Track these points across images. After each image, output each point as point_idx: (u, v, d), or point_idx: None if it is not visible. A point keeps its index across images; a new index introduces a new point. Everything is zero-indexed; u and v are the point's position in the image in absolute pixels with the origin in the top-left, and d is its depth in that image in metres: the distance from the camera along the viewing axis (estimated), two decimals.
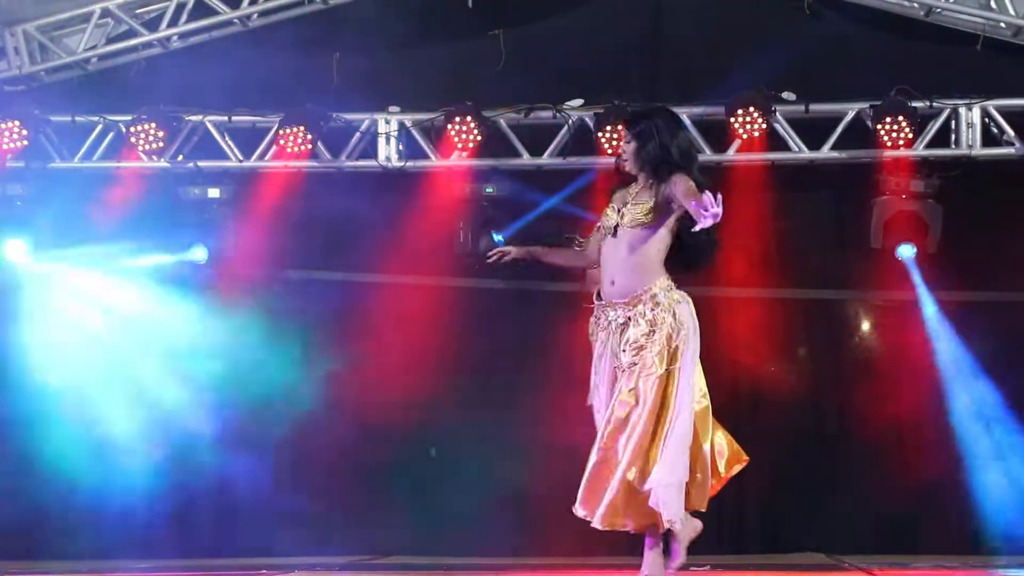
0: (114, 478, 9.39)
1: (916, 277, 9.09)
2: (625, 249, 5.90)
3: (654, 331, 5.80)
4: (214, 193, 9.33)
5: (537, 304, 9.31)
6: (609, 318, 5.89)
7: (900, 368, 9.19)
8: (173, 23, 9.29)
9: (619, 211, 5.93)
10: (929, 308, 9.11)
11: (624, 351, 5.81)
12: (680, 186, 5.71)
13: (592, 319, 5.98)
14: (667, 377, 5.78)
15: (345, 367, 9.32)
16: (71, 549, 9.24)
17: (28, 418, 9.25)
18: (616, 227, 5.91)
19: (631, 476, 5.69)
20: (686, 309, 5.91)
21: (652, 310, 5.83)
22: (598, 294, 5.97)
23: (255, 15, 9.32)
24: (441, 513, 9.17)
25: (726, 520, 9.22)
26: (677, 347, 5.80)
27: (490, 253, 6.17)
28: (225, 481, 9.46)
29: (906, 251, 9.03)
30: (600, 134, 8.91)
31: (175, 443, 9.47)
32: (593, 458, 5.80)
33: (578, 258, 6.19)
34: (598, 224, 6.04)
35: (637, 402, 5.76)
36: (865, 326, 9.53)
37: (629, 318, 5.85)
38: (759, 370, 9.34)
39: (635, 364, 5.78)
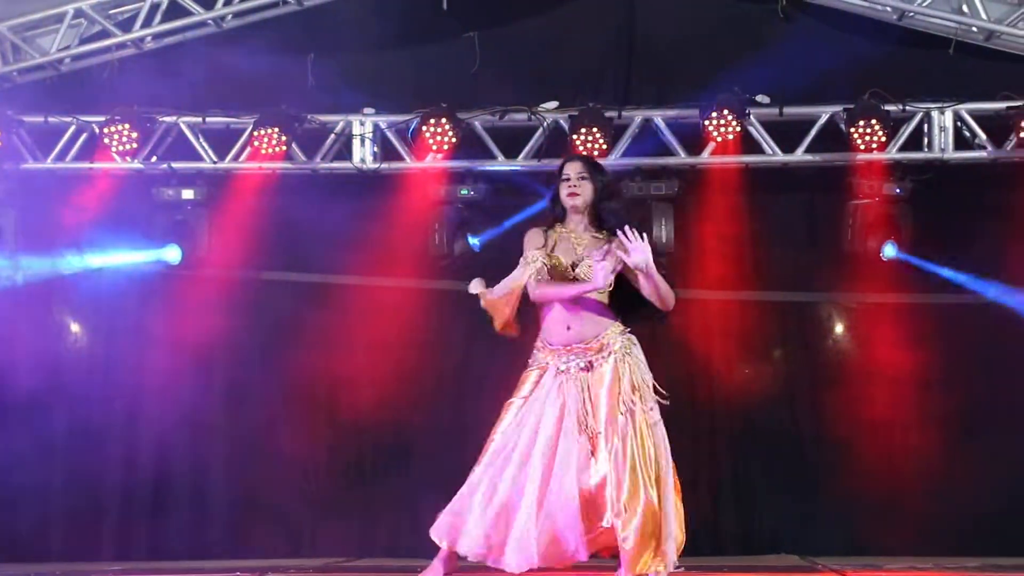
0: (87, 478, 9.36)
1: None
2: (581, 301, 5.89)
3: (620, 377, 5.83)
4: (188, 194, 9.29)
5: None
6: (564, 363, 5.89)
7: (874, 370, 9.23)
8: (147, 24, 9.24)
9: (573, 265, 5.92)
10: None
11: (596, 399, 5.81)
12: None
13: (541, 362, 5.94)
14: (648, 420, 5.82)
15: (319, 368, 9.31)
16: (45, 549, 9.22)
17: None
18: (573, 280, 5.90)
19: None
20: (639, 352, 5.95)
21: (612, 355, 5.86)
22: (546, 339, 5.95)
23: (229, 16, 9.29)
24: (416, 515, 9.14)
25: (701, 522, 9.22)
26: (643, 390, 5.85)
27: None
28: (198, 483, 9.44)
29: (890, 251, 9.04)
30: (575, 136, 8.90)
31: (147, 444, 9.45)
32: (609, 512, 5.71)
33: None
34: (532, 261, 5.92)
35: (626, 448, 5.75)
36: (839, 328, 9.56)
37: (591, 363, 5.86)
38: (733, 372, 9.37)
39: (613, 411, 5.79)
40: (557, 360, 5.92)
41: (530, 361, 6.04)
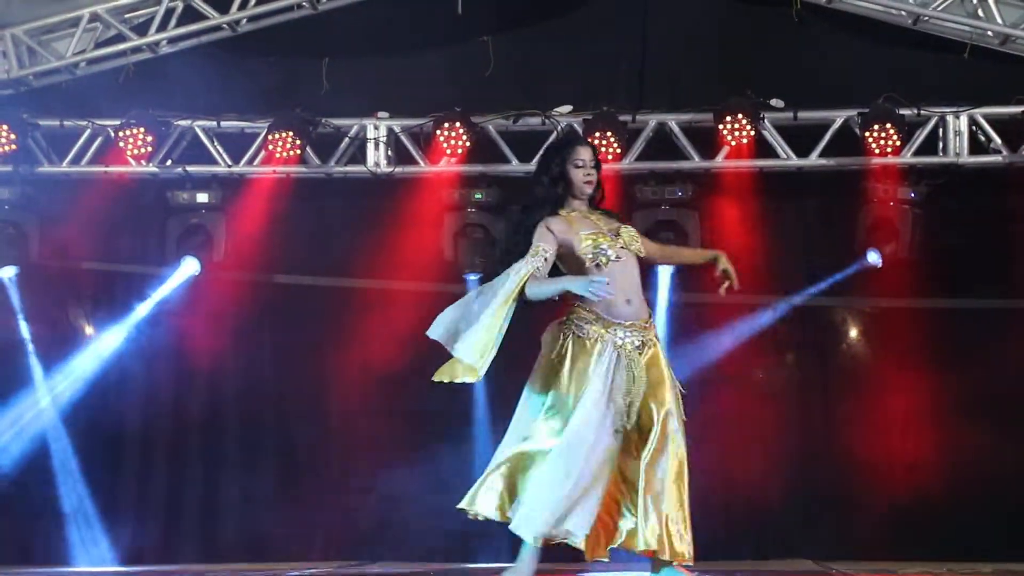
0: (100, 481, 9.39)
1: None
2: (635, 272, 5.75)
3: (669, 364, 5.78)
4: (202, 198, 9.32)
5: (526, 311, 9.28)
6: (619, 338, 5.65)
7: (888, 375, 9.21)
8: (162, 28, 9.26)
9: (613, 237, 5.72)
10: None
11: (662, 379, 5.70)
12: None
13: (592, 335, 5.66)
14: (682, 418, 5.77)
15: (332, 371, 9.33)
16: (58, 554, 9.25)
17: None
18: (619, 252, 5.72)
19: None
20: None
21: (655, 336, 5.80)
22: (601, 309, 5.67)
23: (244, 20, 9.30)
24: (426, 519, 9.15)
25: (715, 527, 9.22)
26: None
27: None
28: (209, 486, 9.46)
29: (872, 256, 9.03)
30: (589, 140, 8.91)
31: (161, 446, 9.48)
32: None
33: None
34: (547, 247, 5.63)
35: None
36: (853, 333, 9.55)
37: (643, 342, 5.72)
38: (746, 376, 9.36)
39: (675, 393, 5.73)
40: (614, 335, 5.66)
41: (567, 331, 5.70)
